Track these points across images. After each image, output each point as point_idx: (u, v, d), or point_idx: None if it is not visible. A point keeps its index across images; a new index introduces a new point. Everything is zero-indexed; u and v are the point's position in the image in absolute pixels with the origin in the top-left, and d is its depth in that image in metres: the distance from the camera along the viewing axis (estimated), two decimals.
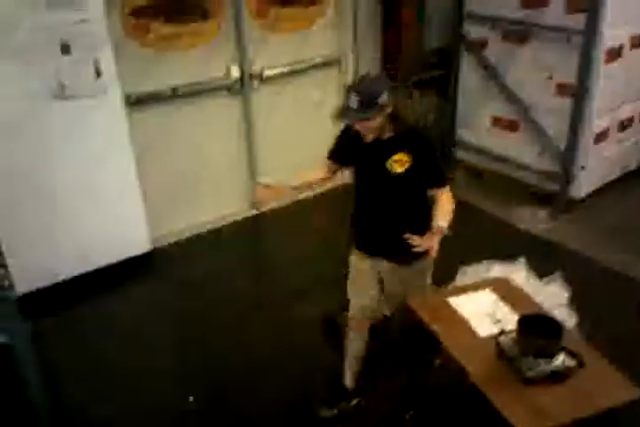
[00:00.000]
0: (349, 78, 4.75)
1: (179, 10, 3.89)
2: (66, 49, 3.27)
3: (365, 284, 2.70)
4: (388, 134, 2.37)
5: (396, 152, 2.35)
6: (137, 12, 3.75)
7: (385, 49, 5.08)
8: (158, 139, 4.04)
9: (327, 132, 2.71)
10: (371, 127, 2.31)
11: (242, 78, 4.29)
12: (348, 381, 2.90)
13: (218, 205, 4.36)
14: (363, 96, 2.21)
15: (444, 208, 2.38)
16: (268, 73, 4.40)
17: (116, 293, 3.78)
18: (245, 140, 4.48)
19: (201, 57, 4.07)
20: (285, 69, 4.48)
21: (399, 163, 2.34)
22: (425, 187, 2.44)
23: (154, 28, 3.82)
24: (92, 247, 3.77)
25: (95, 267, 3.80)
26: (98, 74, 3.44)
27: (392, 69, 5.06)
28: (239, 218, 4.56)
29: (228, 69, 4.23)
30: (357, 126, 2.35)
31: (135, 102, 3.82)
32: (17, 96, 3.25)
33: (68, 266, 3.72)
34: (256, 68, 4.34)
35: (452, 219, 2.36)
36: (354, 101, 2.22)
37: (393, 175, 2.37)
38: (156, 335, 3.48)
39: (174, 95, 4.03)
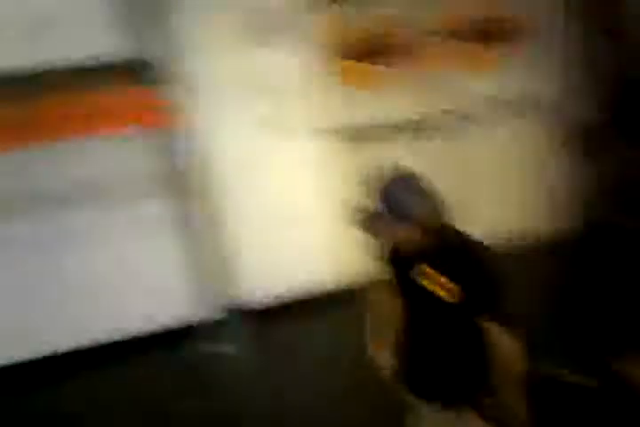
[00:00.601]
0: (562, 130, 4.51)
1: (388, 52, 4.10)
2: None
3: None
4: (426, 250, 1.87)
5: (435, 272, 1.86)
6: (347, 54, 4.02)
7: None
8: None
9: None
10: (401, 240, 1.88)
11: (433, 119, 4.29)
12: None
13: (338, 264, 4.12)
14: (390, 205, 1.80)
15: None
16: (468, 113, 4.32)
17: None
18: None
19: (398, 96, 4.19)
20: (494, 110, 4.34)
21: (438, 286, 1.85)
22: (472, 316, 1.84)
23: (360, 68, 4.06)
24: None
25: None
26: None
27: None
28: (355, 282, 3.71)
29: (429, 108, 4.27)
30: (386, 237, 1.95)
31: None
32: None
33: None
34: (459, 108, 4.29)
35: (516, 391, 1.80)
36: (380, 208, 1.81)
37: (434, 299, 1.87)
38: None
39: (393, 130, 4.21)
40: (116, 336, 3.71)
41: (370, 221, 1.83)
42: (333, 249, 4.06)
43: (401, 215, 1.79)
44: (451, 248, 1.85)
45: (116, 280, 3.71)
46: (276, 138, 3.82)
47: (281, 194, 3.98)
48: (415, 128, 4.30)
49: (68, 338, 3.67)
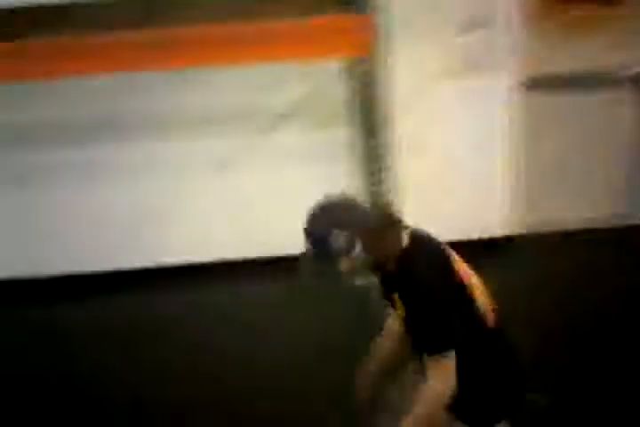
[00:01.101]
0: None
1: None
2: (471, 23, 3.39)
3: None
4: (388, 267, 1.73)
5: (393, 291, 1.73)
6: None
7: None
8: (543, 124, 3.86)
9: None
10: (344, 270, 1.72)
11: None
12: None
13: (586, 205, 4.02)
14: (312, 241, 1.65)
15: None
16: None
17: None
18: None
19: (610, 44, 3.72)
20: None
21: (397, 305, 1.72)
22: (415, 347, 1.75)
23: (569, 8, 3.65)
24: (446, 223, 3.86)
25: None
26: (495, 50, 3.47)
27: None
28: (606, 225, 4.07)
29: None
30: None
31: (530, 85, 3.70)
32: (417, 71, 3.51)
33: None
34: None
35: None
36: (306, 246, 1.67)
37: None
38: None
39: (568, 82, 3.80)
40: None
41: (300, 259, 1.70)
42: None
43: (323, 250, 1.63)
44: (400, 268, 1.68)
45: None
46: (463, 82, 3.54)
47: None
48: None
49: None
